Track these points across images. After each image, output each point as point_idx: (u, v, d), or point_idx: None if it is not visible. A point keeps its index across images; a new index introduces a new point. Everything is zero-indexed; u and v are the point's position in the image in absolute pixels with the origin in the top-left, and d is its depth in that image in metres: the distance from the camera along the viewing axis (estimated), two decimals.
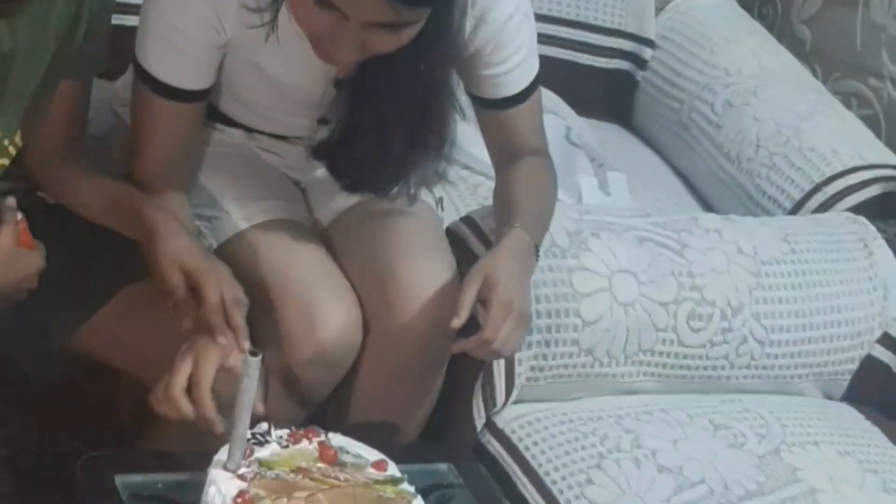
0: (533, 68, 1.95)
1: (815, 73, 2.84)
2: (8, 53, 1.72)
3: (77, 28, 1.77)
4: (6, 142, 1.80)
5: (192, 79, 1.83)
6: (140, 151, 1.85)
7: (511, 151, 1.97)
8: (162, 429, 1.88)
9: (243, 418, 1.56)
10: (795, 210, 2.49)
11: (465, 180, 2.16)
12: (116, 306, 1.84)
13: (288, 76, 1.86)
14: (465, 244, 2.02)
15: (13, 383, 1.96)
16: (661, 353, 2.11)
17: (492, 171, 2.12)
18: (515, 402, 2.05)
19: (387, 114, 1.83)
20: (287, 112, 1.94)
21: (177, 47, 1.79)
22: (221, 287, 1.70)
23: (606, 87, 2.80)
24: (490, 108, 1.96)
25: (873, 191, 2.47)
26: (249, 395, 1.55)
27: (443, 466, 1.82)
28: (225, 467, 1.58)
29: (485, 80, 1.92)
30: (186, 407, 1.65)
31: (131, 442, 1.99)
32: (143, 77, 1.82)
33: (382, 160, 1.89)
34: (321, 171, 2.00)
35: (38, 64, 1.77)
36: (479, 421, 2.04)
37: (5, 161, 1.81)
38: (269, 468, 1.60)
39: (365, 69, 1.75)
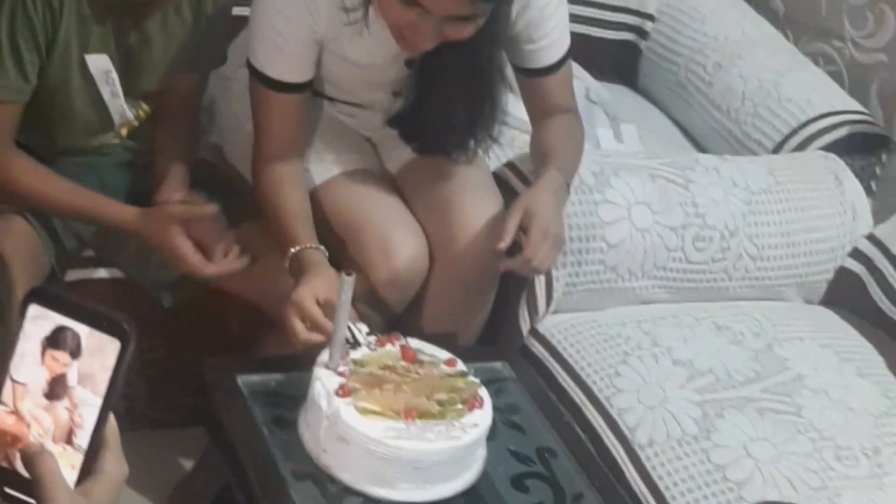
0: (566, 43, 1.96)
1: (787, 38, 2.78)
2: (135, 48, 1.81)
3: (196, 30, 1.84)
4: (136, 110, 1.89)
5: (296, 73, 1.85)
6: (261, 137, 1.87)
7: (547, 111, 1.99)
8: (268, 339, 1.93)
9: (341, 327, 1.62)
10: (777, 150, 2.48)
11: (503, 134, 2.08)
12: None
13: (370, 61, 1.88)
14: (509, 184, 2.04)
15: (142, 306, 2.00)
16: (671, 270, 2.13)
17: (525, 127, 2.11)
18: (554, 313, 2.07)
19: (451, 88, 1.85)
20: (366, 89, 1.97)
21: (281, 48, 1.82)
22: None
23: (616, 55, 2.77)
24: (530, 76, 1.97)
25: (841, 132, 2.47)
26: (346, 307, 1.61)
27: (498, 364, 1.87)
28: (326, 366, 1.61)
29: (527, 53, 1.93)
30: (319, 338, 1.67)
31: (242, 351, 2.01)
32: (256, 75, 1.85)
33: (447, 127, 1.90)
34: (389, 130, 2.00)
35: (162, 60, 1.84)
36: (525, 328, 2.06)
37: (135, 122, 1.90)
38: (362, 366, 1.63)
39: (432, 50, 1.76)
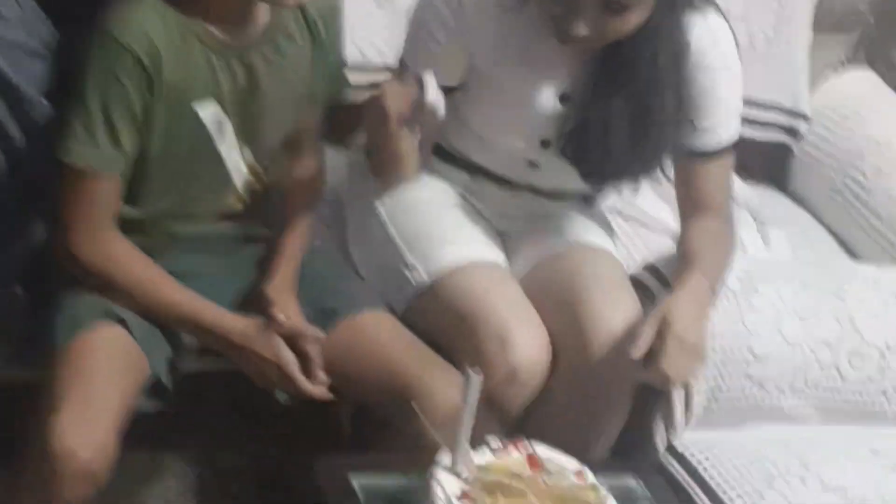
0: (731, 131, 1.97)
1: None
2: (246, 88, 1.76)
3: (315, 74, 1.83)
4: (258, 168, 1.85)
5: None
6: None
7: (697, 205, 1.99)
8: (382, 438, 1.91)
9: (466, 429, 1.58)
10: None
11: (640, 235, 2.24)
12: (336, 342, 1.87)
13: (521, 89, 1.93)
14: (648, 288, 2.02)
15: (259, 402, 1.97)
16: (823, 388, 2.08)
17: (661, 228, 2.20)
18: (693, 429, 2.03)
19: (609, 130, 1.90)
20: (513, 134, 1.99)
21: (427, 49, 1.95)
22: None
23: (765, 157, 2.74)
24: (687, 160, 1.97)
25: None
26: (471, 408, 1.58)
27: (630, 480, 1.81)
28: (448, 469, 1.59)
29: (689, 129, 1.94)
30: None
31: (356, 450, 2.00)
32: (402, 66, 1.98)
33: (606, 154, 1.94)
34: (521, 224, 2.04)
35: (281, 104, 1.80)
36: (661, 444, 2.04)
37: (258, 186, 1.85)
38: (487, 472, 1.60)
39: (591, 90, 1.87)
